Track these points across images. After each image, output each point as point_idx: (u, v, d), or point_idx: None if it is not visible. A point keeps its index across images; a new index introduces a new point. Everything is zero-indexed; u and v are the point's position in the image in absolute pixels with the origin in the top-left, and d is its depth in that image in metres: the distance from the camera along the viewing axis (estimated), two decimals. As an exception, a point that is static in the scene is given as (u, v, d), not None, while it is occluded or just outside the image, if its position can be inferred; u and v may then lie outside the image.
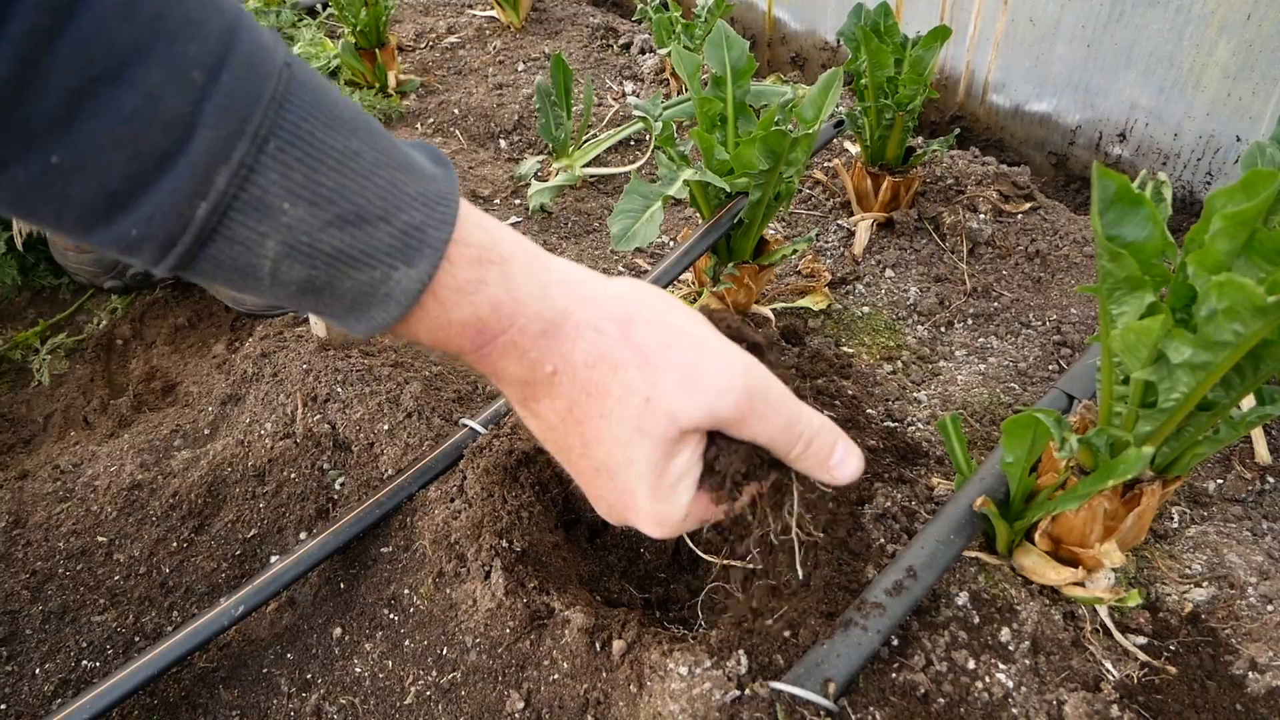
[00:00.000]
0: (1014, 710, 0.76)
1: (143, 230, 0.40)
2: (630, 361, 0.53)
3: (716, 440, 0.57)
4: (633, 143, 1.94)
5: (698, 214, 1.28)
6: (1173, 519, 0.96)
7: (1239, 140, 1.40)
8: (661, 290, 0.58)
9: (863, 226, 1.47)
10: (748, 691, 0.72)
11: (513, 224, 1.64)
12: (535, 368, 0.53)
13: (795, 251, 1.23)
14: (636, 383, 0.53)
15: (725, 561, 0.64)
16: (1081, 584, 0.84)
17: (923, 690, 0.75)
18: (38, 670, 0.90)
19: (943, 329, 1.28)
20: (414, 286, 0.47)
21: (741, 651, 0.75)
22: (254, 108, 0.41)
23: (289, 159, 0.43)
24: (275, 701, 0.87)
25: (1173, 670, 0.81)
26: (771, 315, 1.29)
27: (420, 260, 0.47)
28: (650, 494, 0.56)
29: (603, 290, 0.55)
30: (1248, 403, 0.76)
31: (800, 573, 0.63)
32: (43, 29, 0.36)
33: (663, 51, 2.01)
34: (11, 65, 0.35)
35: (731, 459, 0.57)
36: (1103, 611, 0.84)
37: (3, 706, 0.87)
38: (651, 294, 0.56)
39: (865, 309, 1.33)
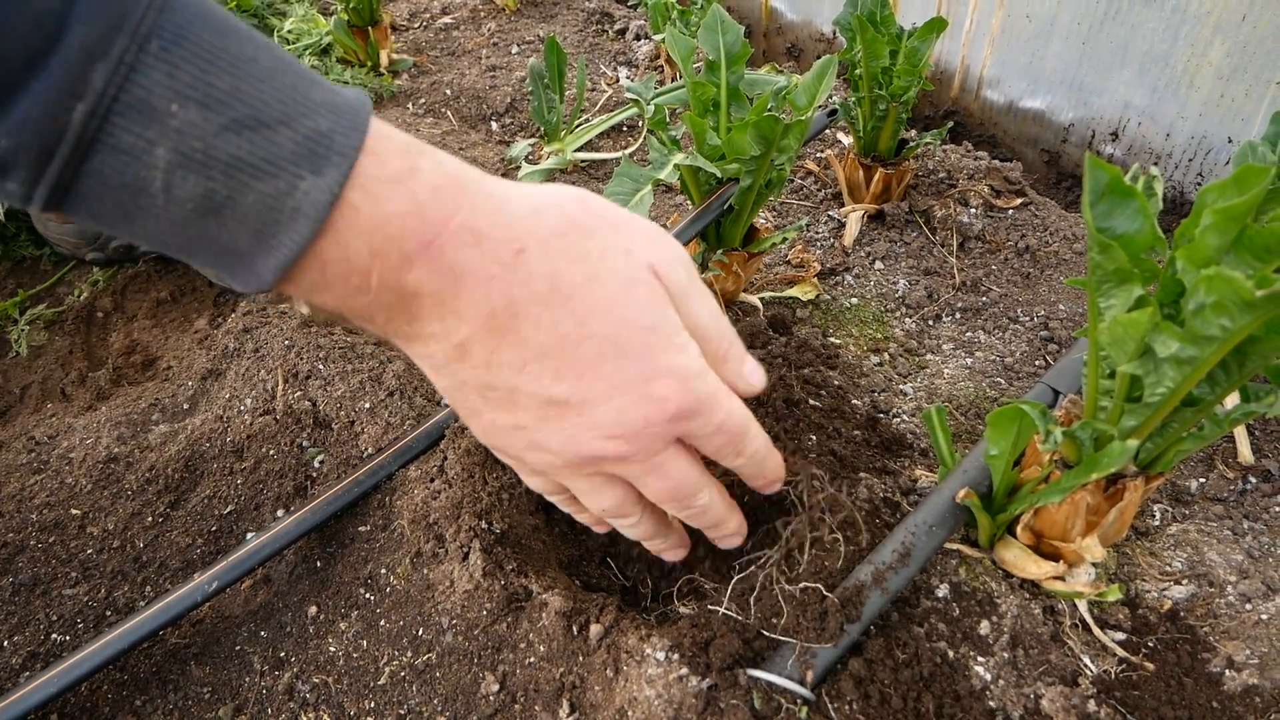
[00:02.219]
0: (991, 703, 0.75)
1: (15, 139, 0.37)
2: (599, 226, 0.52)
3: None
4: (625, 128, 1.93)
5: (688, 200, 1.27)
6: (1154, 517, 0.96)
7: (1231, 141, 1.40)
8: None
9: (853, 218, 1.46)
10: (725, 678, 0.71)
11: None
12: (500, 250, 0.49)
13: (785, 240, 1.22)
14: (613, 240, 0.52)
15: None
16: (1062, 578, 0.84)
17: (900, 680, 0.75)
18: (5, 643, 0.88)
19: (931, 322, 1.28)
20: (324, 198, 0.43)
21: (719, 638, 0.74)
22: (132, 5, 0.38)
23: (174, 58, 0.39)
24: (248, 679, 0.86)
25: (1150, 666, 0.81)
26: (759, 304, 1.28)
27: (329, 169, 0.43)
28: (665, 346, 0.53)
29: (533, 185, 0.54)
30: (1233, 401, 0.76)
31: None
32: None
33: (658, 38, 2.00)
34: None
35: None
36: (1082, 606, 0.84)
37: (-30, 678, 0.86)
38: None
39: (854, 300, 1.33)
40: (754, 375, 0.63)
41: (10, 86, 0.36)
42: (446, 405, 1.00)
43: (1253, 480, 0.99)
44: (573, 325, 0.51)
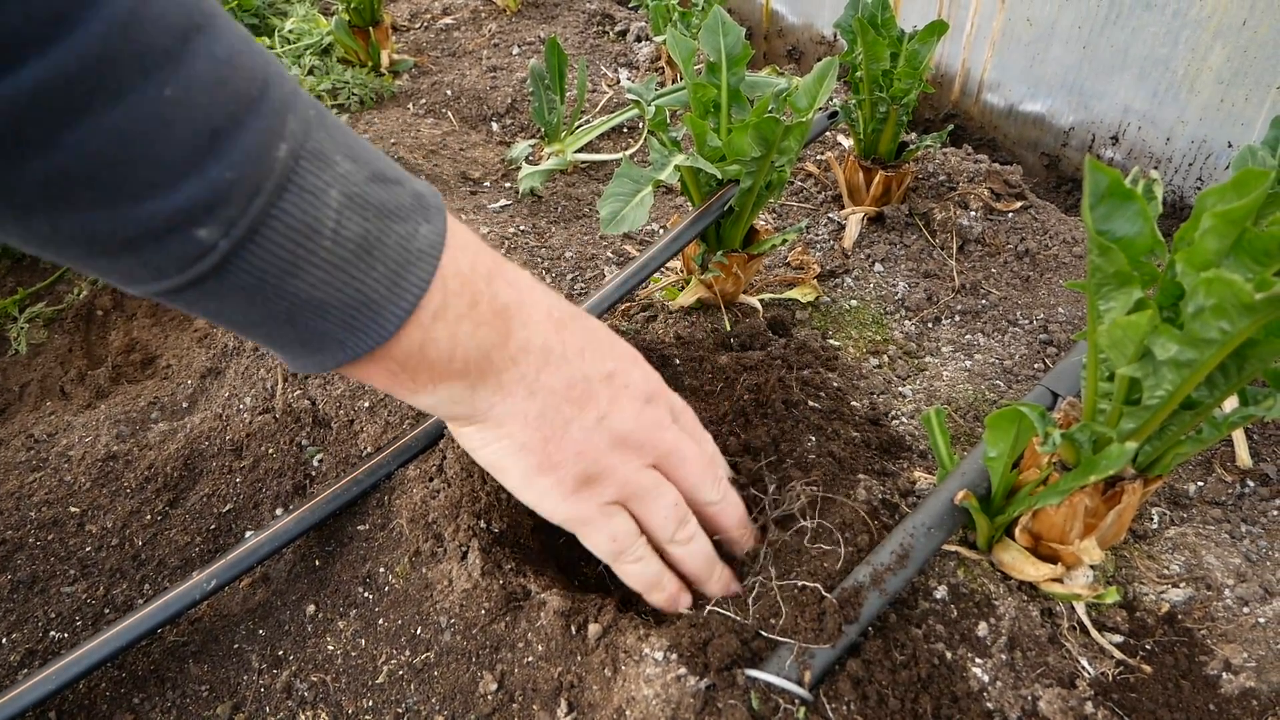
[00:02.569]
0: (989, 704, 0.76)
1: (238, 171, 0.43)
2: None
3: None
4: (625, 130, 1.93)
5: (688, 201, 1.27)
6: (1153, 520, 0.96)
7: (1231, 146, 1.41)
8: None
9: (853, 220, 1.46)
10: (723, 678, 0.71)
11: (502, 207, 1.62)
12: (529, 277, 0.68)
13: (785, 241, 1.23)
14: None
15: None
16: (1060, 580, 0.84)
17: (898, 681, 0.75)
18: (4, 640, 0.88)
19: (930, 325, 1.28)
20: (437, 239, 0.54)
21: (717, 638, 0.74)
22: (297, 91, 0.48)
23: (328, 124, 0.49)
24: (246, 677, 0.86)
25: (1148, 669, 0.81)
26: (759, 305, 1.28)
27: (434, 217, 0.54)
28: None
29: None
30: (1232, 404, 0.76)
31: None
32: None
33: (658, 39, 2.00)
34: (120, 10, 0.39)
35: None
36: (1080, 609, 0.84)
37: (-33, 675, 0.86)
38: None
39: (853, 302, 1.33)
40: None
41: (237, 120, 0.43)
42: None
43: (1251, 484, 0.99)
44: (588, 320, 0.70)
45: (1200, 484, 1.00)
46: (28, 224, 0.41)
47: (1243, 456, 1.01)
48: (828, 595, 0.76)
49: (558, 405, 0.65)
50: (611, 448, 0.69)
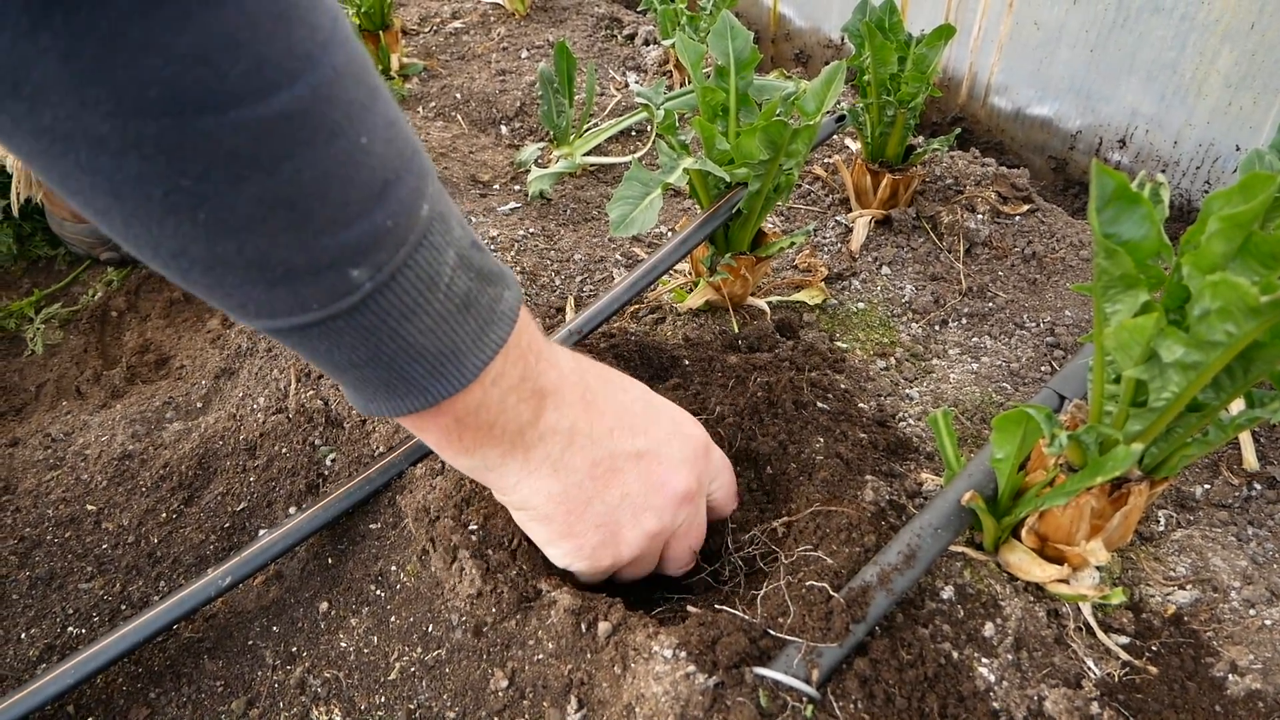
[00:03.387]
0: (995, 704, 0.76)
1: (395, 219, 0.49)
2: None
3: None
4: (634, 133, 1.94)
5: (696, 204, 1.28)
6: (1159, 522, 0.97)
7: (1238, 149, 1.41)
8: None
9: (861, 223, 1.47)
10: (731, 676, 0.72)
11: (512, 209, 1.64)
12: (569, 360, 0.72)
13: (793, 244, 1.23)
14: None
15: None
16: (1066, 581, 0.84)
17: (905, 680, 0.75)
18: (23, 635, 0.90)
19: (937, 327, 1.29)
20: (515, 304, 0.60)
21: (726, 637, 0.75)
22: (428, 157, 0.54)
23: (444, 192, 0.56)
24: (260, 673, 0.87)
25: (1154, 670, 0.82)
26: (767, 308, 1.29)
27: (513, 286, 0.61)
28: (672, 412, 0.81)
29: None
30: (1239, 407, 0.76)
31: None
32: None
33: (667, 43, 2.01)
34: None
35: None
36: (1086, 610, 0.85)
37: (-14, 670, 0.87)
38: None
39: (861, 305, 1.34)
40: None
41: (399, 178, 0.49)
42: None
43: (1258, 487, 0.99)
44: (624, 395, 0.74)
45: (1207, 486, 1.00)
46: (214, 245, 0.45)
47: (1249, 459, 1.01)
48: (835, 595, 0.77)
49: (580, 483, 0.70)
50: (631, 525, 0.75)
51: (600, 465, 0.70)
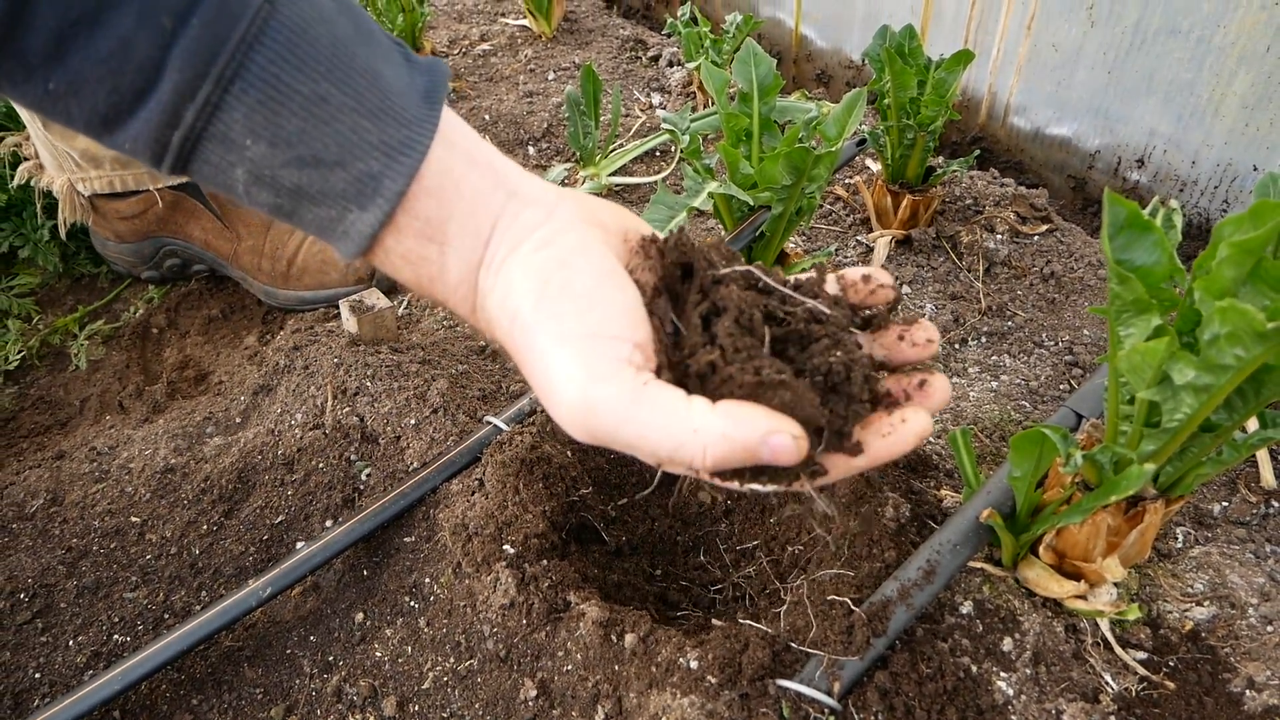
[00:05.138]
0: (1013, 717, 0.78)
1: (133, 146, 0.46)
2: (518, 358, 0.54)
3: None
4: (658, 153, 1.98)
5: (721, 225, 1.31)
6: (1177, 539, 0.98)
7: (1256, 169, 1.42)
8: (582, 235, 0.55)
9: (881, 243, 1.49)
10: (755, 688, 0.74)
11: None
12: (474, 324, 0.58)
13: (814, 265, 1.26)
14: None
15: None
16: (1084, 597, 0.86)
17: (925, 693, 0.77)
18: (71, 642, 0.93)
19: (957, 346, 1.31)
20: (366, 230, 0.50)
21: (750, 650, 0.77)
22: (219, 51, 0.44)
23: (252, 101, 0.46)
24: (298, 681, 0.90)
25: (1171, 685, 0.83)
26: (789, 327, 1.31)
27: (372, 207, 0.50)
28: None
29: (514, 267, 0.53)
30: (1255, 426, 0.78)
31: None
32: None
33: (690, 65, 2.05)
34: (4, 7, 0.41)
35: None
36: (1104, 625, 0.86)
37: (37, 675, 0.91)
38: (545, 277, 0.53)
39: (881, 324, 1.36)
40: None
41: (124, 111, 0.45)
42: (488, 423, 1.04)
43: (1275, 504, 1.01)
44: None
45: (1225, 504, 1.02)
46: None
47: (1267, 477, 1.02)
48: (856, 609, 0.79)
49: None
50: None
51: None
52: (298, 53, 0.47)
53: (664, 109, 2.16)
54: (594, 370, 0.48)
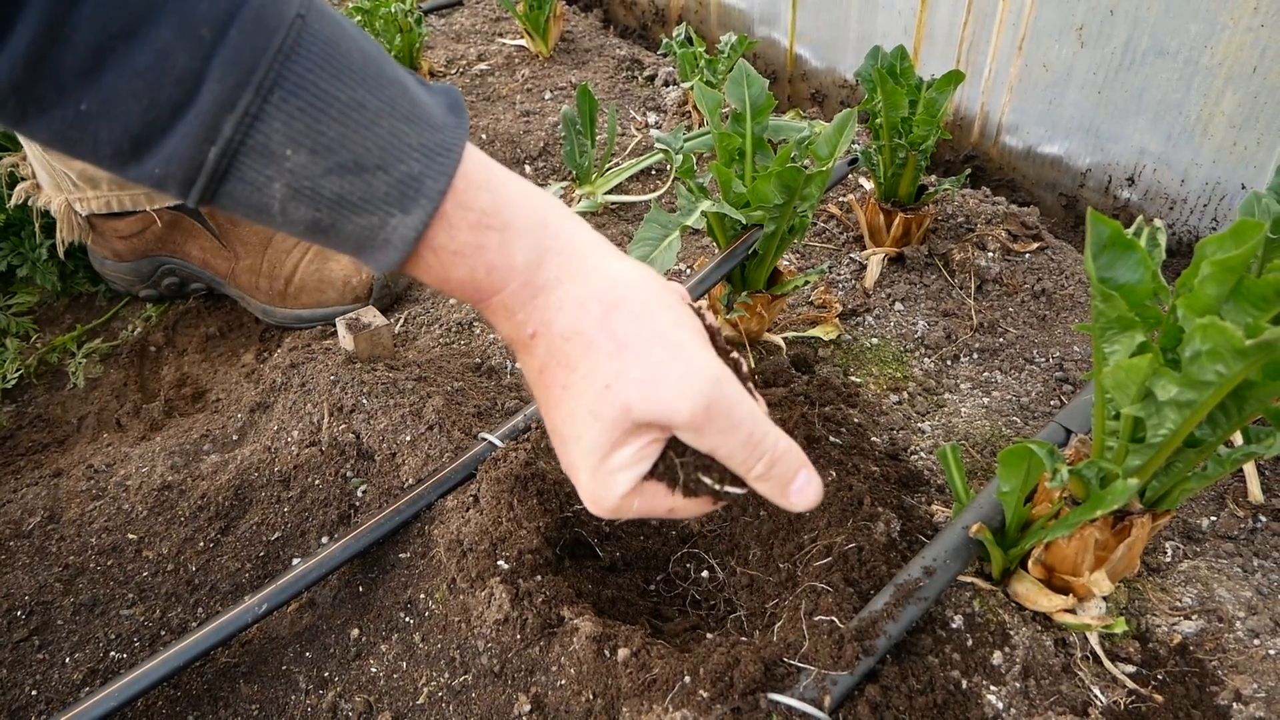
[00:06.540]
0: (1004, 731, 0.79)
1: (164, 169, 0.46)
2: (603, 345, 0.56)
3: (680, 443, 0.59)
4: (654, 172, 1.99)
5: (714, 243, 1.32)
6: (1165, 553, 0.99)
7: (1244, 188, 1.44)
8: (664, 283, 0.61)
9: (874, 260, 1.51)
10: (747, 702, 0.75)
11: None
12: (520, 328, 0.58)
13: (807, 283, 1.27)
14: (603, 367, 0.56)
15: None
16: (1073, 611, 0.87)
17: (915, 707, 0.78)
18: (67, 659, 0.94)
19: (949, 362, 1.32)
20: (410, 234, 0.51)
21: (742, 664, 0.78)
22: (259, 61, 0.45)
23: (292, 109, 0.46)
24: (293, 697, 0.90)
25: (1159, 698, 0.84)
26: (783, 343, 1.33)
27: (415, 209, 0.51)
28: (590, 473, 0.59)
29: (600, 269, 0.58)
30: (1240, 441, 0.79)
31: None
32: None
33: (686, 85, 2.07)
34: (41, 23, 0.41)
35: (687, 461, 0.59)
36: (1093, 639, 0.87)
37: (34, 692, 0.91)
38: (647, 285, 0.59)
39: (874, 340, 1.37)
40: (799, 496, 0.62)
41: (159, 128, 0.45)
42: (483, 440, 1.05)
43: (1263, 519, 1.01)
44: (544, 405, 0.62)
45: (1213, 518, 1.03)
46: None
47: (1254, 492, 1.03)
48: (846, 624, 0.79)
49: None
50: None
51: (542, 406, 0.64)
52: (333, 62, 0.48)
53: (659, 128, 2.18)
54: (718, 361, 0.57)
